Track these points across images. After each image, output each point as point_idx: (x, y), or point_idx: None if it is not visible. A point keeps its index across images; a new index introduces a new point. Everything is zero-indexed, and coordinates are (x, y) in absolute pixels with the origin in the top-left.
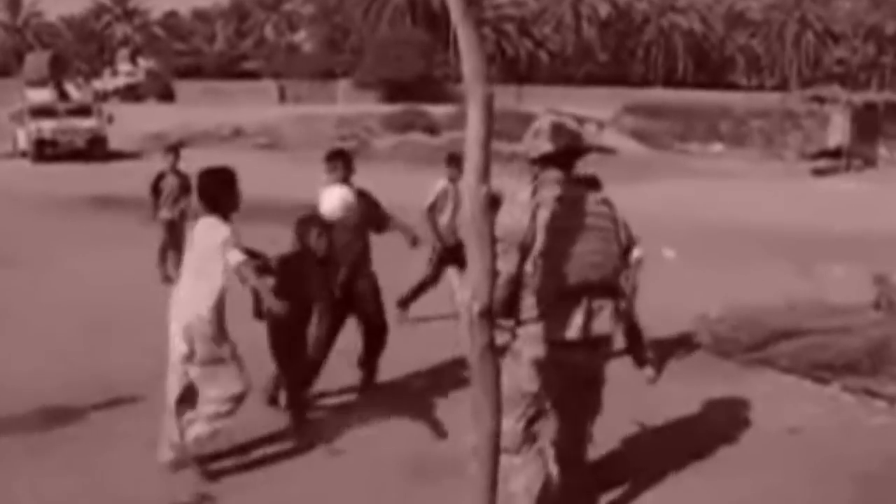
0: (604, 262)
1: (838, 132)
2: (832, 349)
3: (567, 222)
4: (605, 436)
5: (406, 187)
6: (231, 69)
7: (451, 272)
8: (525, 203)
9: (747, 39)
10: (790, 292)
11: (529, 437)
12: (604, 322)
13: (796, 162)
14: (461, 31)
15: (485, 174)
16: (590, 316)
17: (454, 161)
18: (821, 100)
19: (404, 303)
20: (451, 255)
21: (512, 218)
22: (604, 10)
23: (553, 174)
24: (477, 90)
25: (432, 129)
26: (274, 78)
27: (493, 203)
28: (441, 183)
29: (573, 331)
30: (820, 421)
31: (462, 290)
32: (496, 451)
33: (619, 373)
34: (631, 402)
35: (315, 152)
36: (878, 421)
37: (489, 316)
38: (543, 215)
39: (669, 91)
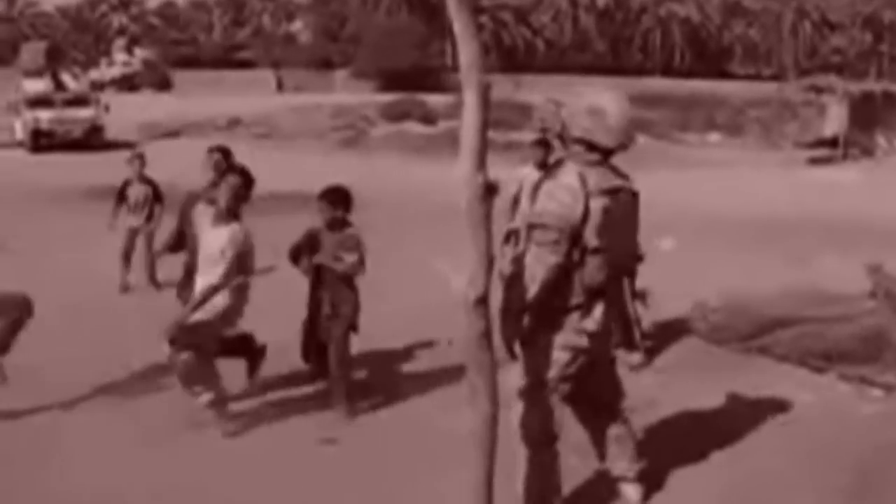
0: (633, 254)
1: (835, 122)
2: (828, 338)
3: (613, 214)
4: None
5: (403, 176)
6: (228, 59)
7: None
8: (576, 190)
9: (745, 29)
10: (786, 281)
11: (548, 427)
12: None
13: (793, 151)
14: (457, 19)
15: (481, 162)
16: (608, 306)
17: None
18: (818, 89)
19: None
20: None
21: (562, 205)
22: (602, 0)
23: (595, 160)
24: (473, 79)
25: (429, 118)
26: (271, 67)
27: (490, 191)
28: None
29: (592, 323)
30: (815, 409)
31: (458, 278)
32: (494, 436)
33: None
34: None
35: (312, 142)
36: (874, 409)
37: (485, 304)
38: (597, 205)
39: (667, 80)
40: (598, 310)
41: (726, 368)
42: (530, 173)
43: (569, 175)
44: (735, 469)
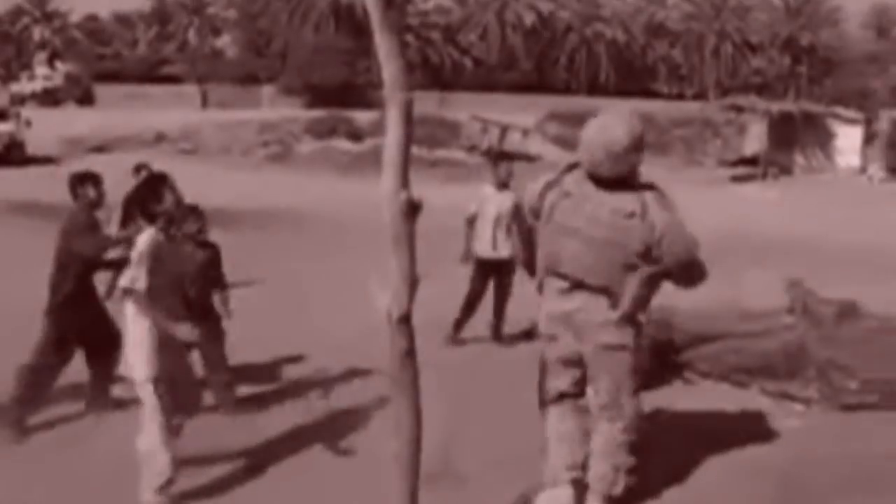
0: (593, 266)
1: (755, 141)
2: (750, 353)
3: (564, 217)
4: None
5: (330, 193)
6: (153, 73)
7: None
8: (543, 181)
9: (668, 49)
10: (709, 296)
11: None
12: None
13: (715, 169)
14: (380, 37)
15: (404, 179)
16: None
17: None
18: (739, 109)
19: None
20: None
21: (531, 189)
22: (528, 19)
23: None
24: (396, 96)
25: (356, 135)
26: (197, 82)
27: (413, 208)
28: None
29: (552, 310)
30: (738, 423)
31: (382, 295)
32: (417, 459)
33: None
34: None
35: (238, 158)
36: (795, 423)
37: (408, 322)
38: (549, 199)
39: (593, 99)
40: (556, 302)
41: (650, 383)
42: (491, 194)
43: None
44: (658, 482)
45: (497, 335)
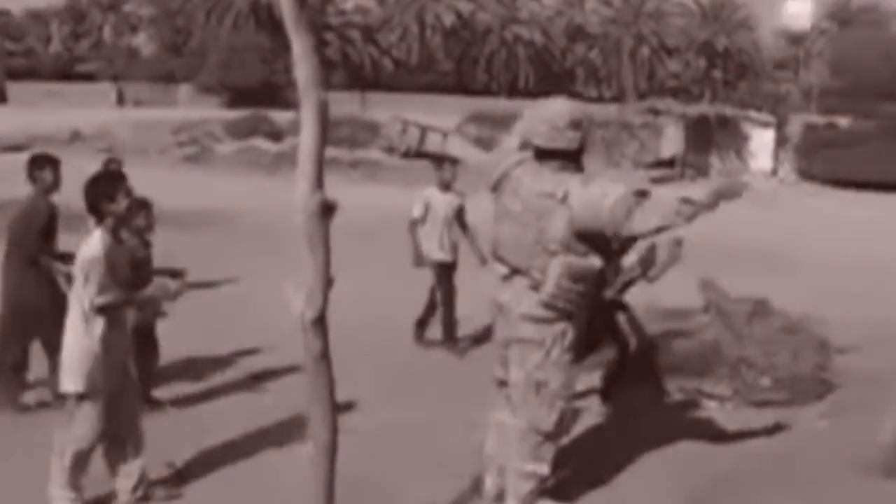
0: (519, 249)
1: (672, 143)
2: (667, 352)
3: (506, 199)
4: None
5: (250, 193)
6: (67, 71)
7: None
8: (503, 160)
9: (587, 52)
10: (628, 296)
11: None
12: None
13: (632, 171)
14: (294, 36)
15: (319, 181)
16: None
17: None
18: (655, 111)
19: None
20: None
21: (493, 161)
22: (448, 20)
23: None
24: (310, 96)
25: (276, 135)
26: (112, 80)
27: (328, 210)
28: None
29: (493, 297)
30: (661, 420)
31: (297, 297)
32: (332, 464)
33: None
34: (470, 402)
35: (154, 157)
36: (711, 420)
37: (322, 323)
38: (501, 182)
39: (512, 101)
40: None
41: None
42: (436, 195)
43: (512, 157)
44: (585, 481)
45: (449, 338)
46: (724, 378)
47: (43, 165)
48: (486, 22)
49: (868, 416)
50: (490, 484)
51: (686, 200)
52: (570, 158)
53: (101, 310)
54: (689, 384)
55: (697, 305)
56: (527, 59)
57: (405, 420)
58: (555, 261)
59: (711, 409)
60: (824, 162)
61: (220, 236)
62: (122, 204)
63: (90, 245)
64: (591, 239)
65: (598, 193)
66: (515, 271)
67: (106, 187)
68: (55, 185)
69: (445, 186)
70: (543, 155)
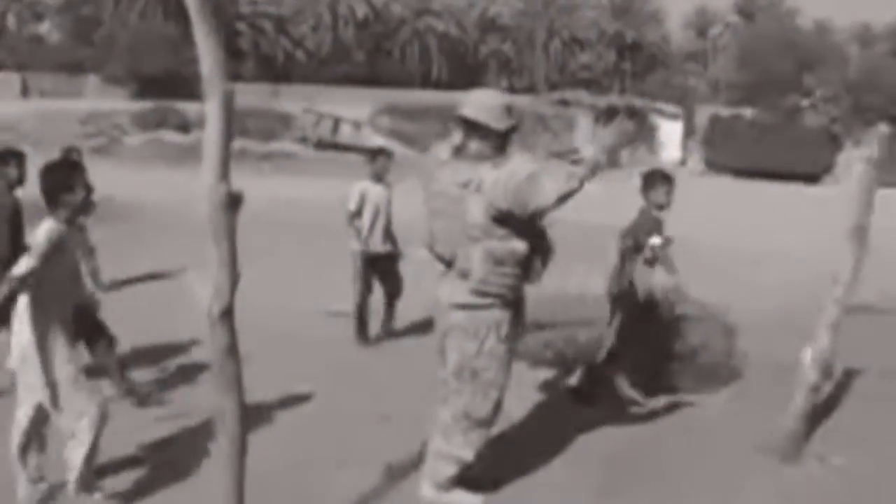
0: (447, 240)
1: (583, 134)
2: (575, 341)
3: (434, 198)
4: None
5: (158, 186)
6: None
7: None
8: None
9: (500, 44)
10: (539, 286)
11: None
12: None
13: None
14: (198, 26)
15: (224, 172)
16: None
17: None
18: (566, 103)
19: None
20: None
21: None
22: (361, 11)
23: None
24: (215, 87)
25: (184, 126)
26: (17, 70)
27: (234, 202)
28: (361, 185)
29: (434, 294)
30: (565, 409)
31: (204, 289)
32: (243, 458)
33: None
34: (371, 393)
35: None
36: (619, 405)
37: (230, 317)
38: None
39: (426, 92)
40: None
41: None
42: (370, 187)
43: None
44: (494, 469)
45: (389, 329)
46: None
47: (7, 160)
48: (399, 13)
49: (771, 402)
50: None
51: (575, 161)
52: (500, 144)
53: (22, 281)
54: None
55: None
56: (440, 51)
57: (327, 411)
58: (477, 246)
59: (619, 395)
60: (731, 153)
61: (127, 229)
62: (79, 194)
63: (41, 231)
64: (510, 222)
65: (506, 176)
66: (450, 264)
67: (64, 177)
68: (20, 180)
69: (377, 178)
70: (480, 138)
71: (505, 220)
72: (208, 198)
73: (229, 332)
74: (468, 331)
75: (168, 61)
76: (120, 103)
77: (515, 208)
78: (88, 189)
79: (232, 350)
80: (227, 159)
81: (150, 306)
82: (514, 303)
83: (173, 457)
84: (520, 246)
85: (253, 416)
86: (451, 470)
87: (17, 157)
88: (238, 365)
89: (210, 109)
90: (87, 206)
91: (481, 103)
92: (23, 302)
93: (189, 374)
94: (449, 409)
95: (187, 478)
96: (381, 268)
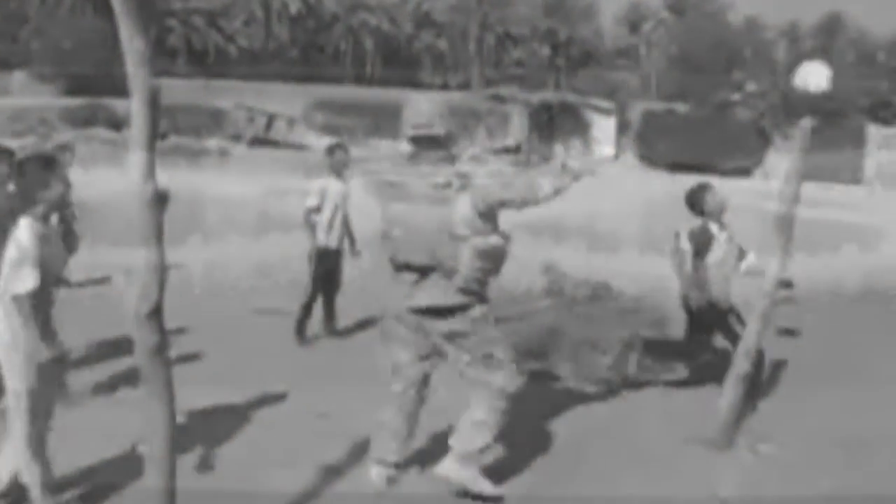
0: (421, 246)
1: (517, 129)
2: (514, 335)
3: (394, 205)
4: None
5: (88, 184)
6: None
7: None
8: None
9: (434, 39)
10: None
11: None
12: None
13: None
14: (122, 21)
15: (151, 170)
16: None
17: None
18: (500, 99)
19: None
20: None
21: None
22: (294, 7)
23: None
24: (139, 83)
25: (115, 123)
26: None
27: (161, 200)
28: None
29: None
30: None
31: (130, 290)
32: (173, 459)
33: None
34: (309, 394)
35: None
36: (560, 397)
37: (158, 316)
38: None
39: (359, 88)
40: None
41: None
42: (332, 183)
43: None
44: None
45: (331, 328)
46: (566, 359)
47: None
48: (332, 9)
49: (705, 393)
50: (382, 452)
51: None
52: (442, 146)
53: (18, 299)
54: (532, 366)
55: (540, 288)
56: (373, 47)
57: (265, 410)
58: (465, 244)
59: (554, 390)
60: (664, 147)
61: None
62: (56, 190)
63: (20, 233)
64: (494, 218)
65: (497, 175)
66: (425, 271)
67: (41, 172)
68: (10, 176)
69: (338, 173)
70: (426, 145)
71: (492, 215)
72: (135, 196)
73: (157, 332)
74: (464, 331)
75: (98, 57)
76: (48, 100)
77: (512, 206)
78: (67, 184)
79: (160, 350)
80: (153, 157)
81: (81, 307)
82: (487, 298)
83: (105, 459)
84: (500, 241)
85: (188, 416)
86: (482, 441)
87: (7, 154)
88: (167, 365)
89: (135, 106)
90: (64, 202)
91: (433, 103)
92: (2, 313)
93: (121, 375)
94: (485, 390)
95: (119, 479)
96: (330, 264)
